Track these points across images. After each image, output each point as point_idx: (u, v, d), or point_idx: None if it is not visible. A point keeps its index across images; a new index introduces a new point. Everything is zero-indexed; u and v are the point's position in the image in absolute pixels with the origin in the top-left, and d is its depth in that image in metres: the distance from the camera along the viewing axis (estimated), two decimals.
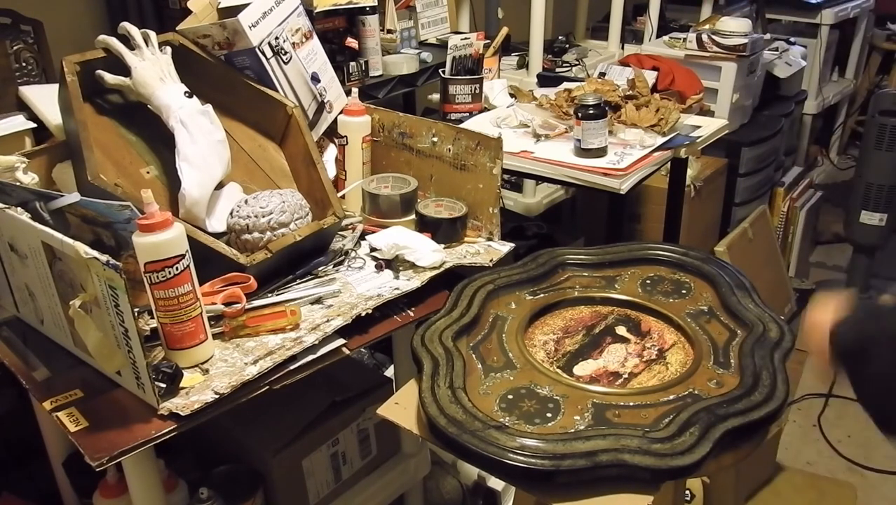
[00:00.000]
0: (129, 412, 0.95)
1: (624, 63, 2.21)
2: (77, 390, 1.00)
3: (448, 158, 1.39)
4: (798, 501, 1.95)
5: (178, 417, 0.93)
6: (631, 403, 0.94)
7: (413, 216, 1.37)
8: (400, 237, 1.27)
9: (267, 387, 1.01)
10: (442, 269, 1.25)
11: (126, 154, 1.24)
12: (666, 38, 2.67)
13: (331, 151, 1.49)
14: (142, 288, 0.98)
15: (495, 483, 1.70)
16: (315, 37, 1.46)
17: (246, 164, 1.37)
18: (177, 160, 1.19)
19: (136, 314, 0.88)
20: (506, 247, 1.35)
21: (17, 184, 1.11)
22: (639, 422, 0.90)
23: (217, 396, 0.95)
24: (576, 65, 2.63)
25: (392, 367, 1.70)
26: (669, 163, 1.78)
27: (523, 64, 2.56)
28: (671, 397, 0.95)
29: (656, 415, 0.91)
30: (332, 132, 1.49)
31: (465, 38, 1.84)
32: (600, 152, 1.59)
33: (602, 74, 2.11)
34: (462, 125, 1.53)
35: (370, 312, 1.13)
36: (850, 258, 2.93)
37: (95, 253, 0.88)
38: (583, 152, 1.59)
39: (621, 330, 1.11)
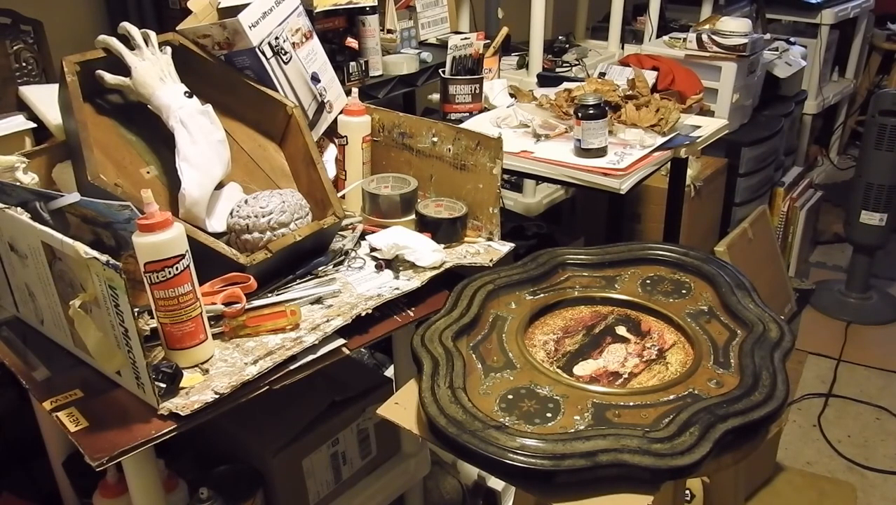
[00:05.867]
0: (129, 412, 0.95)
1: (624, 63, 2.21)
2: (77, 390, 1.00)
3: (448, 158, 1.39)
4: (798, 501, 1.95)
5: (178, 417, 0.93)
6: (631, 403, 0.94)
7: (413, 216, 1.37)
8: (400, 237, 1.27)
9: (267, 387, 1.01)
10: (442, 269, 1.25)
11: (126, 154, 1.24)
12: (666, 38, 2.67)
13: (331, 151, 1.49)
14: (142, 288, 0.98)
15: (495, 483, 1.70)
16: (315, 37, 1.46)
17: (246, 164, 1.37)
18: (177, 160, 1.19)
19: (136, 314, 0.88)
20: (506, 247, 1.35)
21: (17, 184, 1.11)
22: (639, 422, 0.90)
23: (217, 396, 0.95)
24: (576, 65, 2.64)
25: (392, 367, 1.70)
26: (669, 163, 1.78)
27: (523, 64, 2.56)
28: (671, 397, 0.95)
29: (656, 415, 0.91)
30: (332, 132, 1.49)
31: (465, 38, 1.84)
32: (600, 152, 1.59)
33: (602, 74, 2.11)
34: (462, 125, 1.53)
35: (370, 311, 1.13)
36: (850, 258, 2.93)
37: (95, 253, 0.88)
38: (583, 152, 1.59)
39: (621, 330, 1.11)
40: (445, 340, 1.03)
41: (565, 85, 1.96)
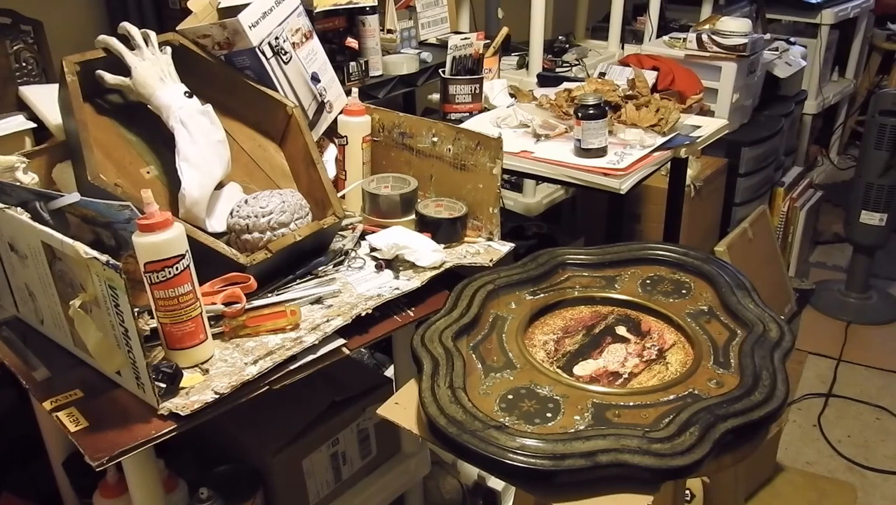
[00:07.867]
0: (129, 412, 0.95)
1: (624, 63, 2.21)
2: (77, 390, 1.00)
3: (448, 158, 1.39)
4: (798, 501, 1.95)
5: (178, 417, 0.93)
6: (631, 403, 0.94)
7: (413, 216, 1.37)
8: (400, 237, 1.27)
9: (267, 387, 1.01)
10: (442, 269, 1.25)
11: (126, 154, 1.24)
12: (666, 38, 2.67)
13: (331, 151, 1.49)
14: (142, 288, 0.98)
15: (495, 483, 1.70)
16: (315, 37, 1.46)
17: (246, 164, 1.37)
18: (177, 160, 1.19)
19: (136, 314, 0.88)
20: (506, 247, 1.35)
21: (17, 184, 1.11)
22: (639, 422, 0.90)
23: (217, 396, 0.95)
24: (576, 65, 2.63)
25: (392, 367, 1.70)
26: (669, 163, 1.78)
27: (523, 64, 2.56)
28: (671, 397, 0.95)
29: (656, 415, 0.91)
30: (332, 132, 1.49)
31: (465, 38, 1.84)
32: (600, 152, 1.59)
33: (602, 74, 2.11)
34: (462, 125, 1.53)
35: (370, 311, 1.13)
36: (850, 258, 2.93)
37: (95, 253, 0.88)
38: (583, 152, 1.59)
39: (621, 330, 1.11)
40: (445, 340, 1.03)
41: (565, 85, 1.96)
